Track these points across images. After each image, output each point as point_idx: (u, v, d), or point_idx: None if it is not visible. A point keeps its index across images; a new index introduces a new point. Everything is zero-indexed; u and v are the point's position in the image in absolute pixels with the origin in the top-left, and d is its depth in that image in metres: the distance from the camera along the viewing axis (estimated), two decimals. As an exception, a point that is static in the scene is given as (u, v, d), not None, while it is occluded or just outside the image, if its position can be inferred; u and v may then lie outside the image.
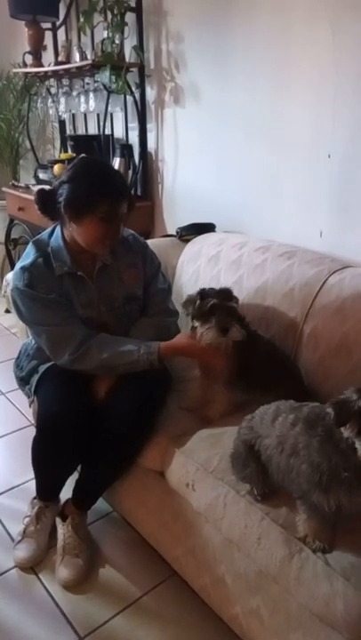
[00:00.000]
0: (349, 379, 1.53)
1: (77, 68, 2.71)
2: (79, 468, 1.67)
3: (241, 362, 1.55)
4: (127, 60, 2.59)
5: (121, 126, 2.91)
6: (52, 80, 3.23)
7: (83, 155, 1.63)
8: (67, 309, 1.59)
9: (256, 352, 1.58)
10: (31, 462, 1.63)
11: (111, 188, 1.49)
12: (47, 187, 1.60)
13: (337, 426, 1.04)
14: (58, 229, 1.62)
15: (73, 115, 3.37)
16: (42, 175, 3.09)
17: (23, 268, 1.57)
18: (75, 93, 3.01)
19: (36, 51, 3.14)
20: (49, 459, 1.61)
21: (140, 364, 1.53)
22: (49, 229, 1.67)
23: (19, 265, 1.60)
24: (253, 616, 1.28)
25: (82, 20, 2.60)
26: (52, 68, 2.96)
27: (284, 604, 1.20)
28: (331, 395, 1.55)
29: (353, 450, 1.02)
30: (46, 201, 1.55)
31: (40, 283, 1.56)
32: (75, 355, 1.54)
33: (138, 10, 2.54)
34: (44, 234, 1.66)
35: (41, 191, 1.58)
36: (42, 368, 1.68)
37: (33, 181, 3.30)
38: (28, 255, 1.61)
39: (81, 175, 1.50)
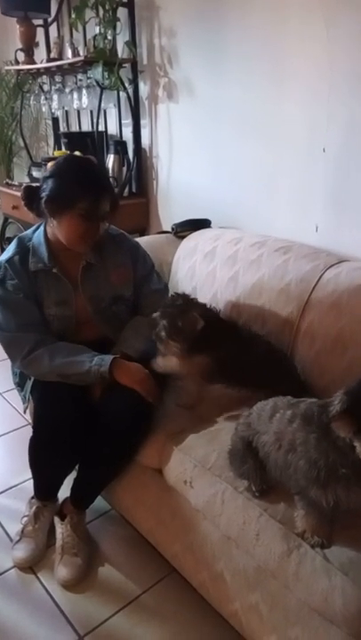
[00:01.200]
0: (345, 374, 1.53)
1: (70, 64, 2.70)
2: (77, 467, 1.66)
3: (238, 361, 1.56)
4: (120, 55, 2.57)
5: (114, 123, 2.90)
6: (44, 77, 3.21)
7: (77, 154, 1.62)
8: (30, 313, 1.59)
9: (252, 351, 1.58)
10: (28, 462, 1.63)
11: (92, 184, 1.49)
12: (35, 184, 1.60)
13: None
14: (42, 226, 1.63)
15: (66, 112, 3.35)
16: (36, 173, 3.07)
17: None
18: (67, 90, 2.99)
19: (28, 48, 3.12)
20: (46, 458, 1.61)
21: (91, 376, 1.53)
22: (35, 225, 1.68)
23: None
24: (253, 612, 1.28)
25: (73, 16, 2.58)
26: (45, 64, 2.94)
27: (282, 599, 1.20)
28: (327, 390, 1.55)
29: (350, 447, 1.01)
30: (32, 197, 1.55)
31: (11, 279, 1.57)
32: (25, 360, 1.56)
33: (130, 5, 2.52)
34: (30, 230, 1.67)
35: (27, 188, 1.58)
36: None
37: (27, 179, 3.27)
38: (8, 250, 1.64)
39: (63, 171, 1.50)
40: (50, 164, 2.73)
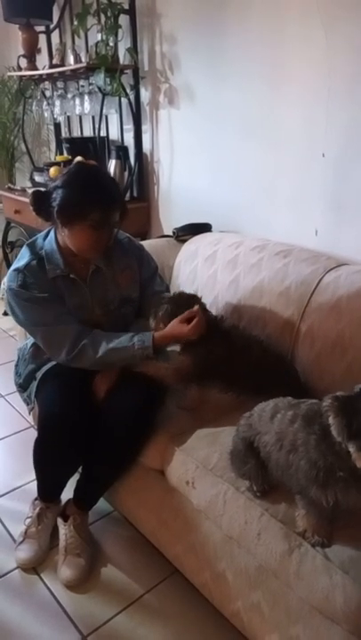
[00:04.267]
0: (345, 376, 1.55)
1: (72, 70, 2.72)
2: (80, 468, 1.68)
3: (238, 365, 1.58)
4: (121, 62, 2.60)
5: (116, 128, 2.92)
6: (46, 83, 3.23)
7: (79, 159, 1.63)
8: (60, 306, 1.61)
9: (252, 355, 1.60)
10: (33, 463, 1.64)
11: (103, 196, 1.49)
12: (42, 189, 1.61)
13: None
14: (52, 233, 1.64)
15: (68, 117, 3.38)
16: (38, 178, 3.10)
17: (17, 270, 1.59)
18: (69, 96, 3.02)
19: (31, 54, 3.14)
20: (50, 459, 1.62)
21: (137, 359, 1.57)
22: (44, 232, 1.68)
23: (13, 267, 1.62)
24: (254, 611, 1.29)
25: (76, 22, 2.61)
26: (47, 71, 2.97)
27: (284, 598, 1.22)
28: (327, 392, 1.56)
29: (347, 452, 1.03)
30: (41, 203, 1.56)
31: (33, 284, 1.58)
32: (71, 354, 1.57)
33: (131, 12, 2.55)
34: (39, 236, 1.68)
35: (36, 193, 1.58)
36: (39, 374, 1.69)
37: (29, 184, 3.30)
38: (22, 257, 1.63)
39: (74, 182, 1.50)
40: (54, 171, 2.77)
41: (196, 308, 1.59)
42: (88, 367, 1.60)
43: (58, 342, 1.58)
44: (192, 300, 1.65)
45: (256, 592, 1.28)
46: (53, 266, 1.60)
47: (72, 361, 1.58)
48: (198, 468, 1.42)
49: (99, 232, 1.52)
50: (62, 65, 2.95)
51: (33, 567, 1.65)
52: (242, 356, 1.60)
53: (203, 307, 1.65)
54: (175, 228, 2.35)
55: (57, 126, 3.47)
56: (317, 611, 1.14)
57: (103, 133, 2.93)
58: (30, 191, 1.62)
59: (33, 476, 1.72)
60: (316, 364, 1.64)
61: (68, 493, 1.72)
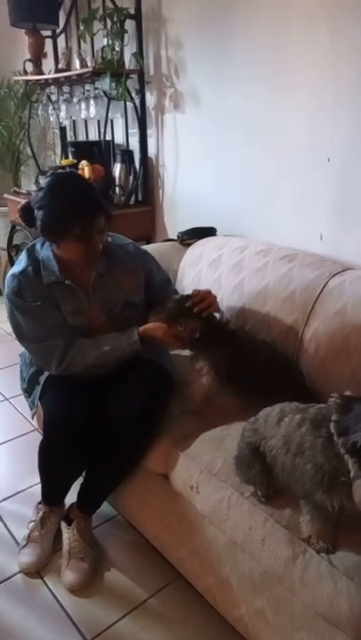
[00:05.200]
0: (350, 381, 1.54)
1: (78, 75, 2.73)
2: (84, 473, 1.68)
3: (247, 367, 1.59)
4: (127, 66, 2.61)
5: (121, 132, 2.93)
6: (52, 87, 3.25)
7: (53, 172, 1.63)
8: (51, 318, 1.62)
9: (258, 358, 1.60)
10: (38, 467, 1.65)
11: (81, 209, 1.48)
12: (26, 200, 1.60)
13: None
14: None
15: (74, 121, 3.39)
16: (43, 181, 3.09)
17: (13, 276, 1.61)
18: (75, 100, 3.03)
19: (37, 58, 3.17)
20: (55, 462, 1.63)
21: (127, 355, 1.62)
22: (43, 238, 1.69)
23: (10, 272, 1.64)
24: (258, 617, 1.28)
25: (82, 27, 2.63)
26: (53, 75, 2.98)
27: (288, 604, 1.21)
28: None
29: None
30: (30, 218, 1.56)
31: (27, 291, 1.59)
32: (60, 367, 1.60)
33: (137, 17, 2.56)
34: (38, 241, 1.69)
35: (24, 209, 1.58)
36: (42, 378, 1.70)
37: (34, 188, 3.31)
38: (19, 262, 1.65)
39: (50, 200, 1.49)
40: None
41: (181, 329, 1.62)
42: (82, 374, 1.62)
43: (46, 357, 1.61)
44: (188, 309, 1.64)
45: (260, 598, 1.28)
46: (49, 272, 1.61)
47: (63, 372, 1.61)
48: (202, 472, 1.42)
49: (85, 243, 1.52)
50: (68, 69, 2.97)
51: (36, 571, 1.65)
52: (250, 358, 1.60)
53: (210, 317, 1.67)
54: (180, 232, 2.36)
55: (62, 130, 3.49)
56: (322, 617, 1.13)
57: (108, 137, 2.95)
58: (18, 207, 1.62)
59: (37, 479, 1.72)
60: (322, 368, 1.64)
61: (71, 497, 1.72)
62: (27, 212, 1.57)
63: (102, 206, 1.54)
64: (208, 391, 1.61)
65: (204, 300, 1.65)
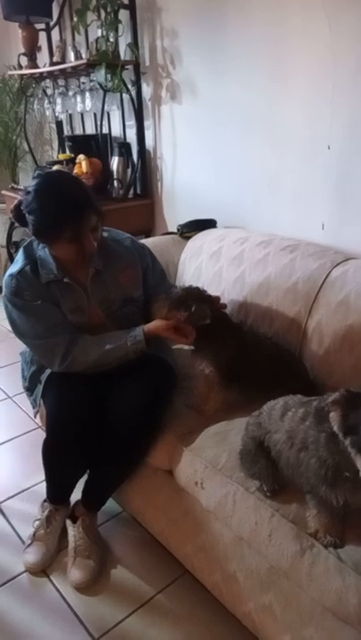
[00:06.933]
0: (354, 372, 1.53)
1: (73, 67, 2.70)
2: (88, 470, 1.67)
3: (251, 360, 1.57)
4: (122, 57, 2.58)
5: (118, 125, 2.90)
6: (47, 81, 3.23)
7: (40, 173, 1.60)
8: (52, 316, 1.60)
9: (260, 352, 1.58)
10: (42, 465, 1.63)
11: (70, 211, 1.46)
12: (17, 201, 1.58)
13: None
14: None
15: (70, 115, 3.36)
16: (31, 183, 3.08)
17: (11, 275, 1.59)
18: (71, 93, 3.00)
19: (31, 52, 3.13)
20: (60, 459, 1.61)
21: (131, 355, 1.59)
22: None
23: (8, 272, 1.62)
24: (266, 612, 1.28)
25: (75, 19, 2.59)
26: (48, 68, 2.95)
27: (296, 599, 1.20)
28: (336, 388, 1.54)
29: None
30: (22, 219, 1.54)
31: (26, 290, 1.58)
32: (63, 364, 1.59)
33: (131, 7, 2.52)
34: (34, 239, 1.66)
35: (16, 210, 1.56)
36: (43, 377, 1.69)
37: (33, 183, 3.29)
38: (16, 262, 1.64)
39: (39, 205, 1.47)
40: (56, 167, 2.76)
41: (182, 317, 1.56)
42: (84, 372, 1.61)
43: (49, 355, 1.60)
44: (207, 299, 1.61)
45: (268, 593, 1.27)
46: (47, 271, 1.59)
47: (66, 370, 1.60)
48: (207, 468, 1.40)
49: (79, 243, 1.51)
50: (63, 62, 2.94)
51: (41, 570, 1.64)
52: (254, 352, 1.58)
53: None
54: (179, 225, 2.33)
55: (59, 124, 3.46)
56: (330, 612, 1.12)
57: (105, 130, 2.92)
58: (10, 208, 1.59)
59: (41, 477, 1.71)
60: (325, 360, 1.62)
61: (76, 495, 1.71)
62: (18, 214, 1.55)
63: (92, 205, 1.50)
64: (212, 388, 1.59)
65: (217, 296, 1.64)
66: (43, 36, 3.20)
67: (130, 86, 2.63)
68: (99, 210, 1.54)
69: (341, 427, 1.01)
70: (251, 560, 1.30)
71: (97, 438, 1.56)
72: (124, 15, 2.51)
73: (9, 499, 1.94)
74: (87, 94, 2.80)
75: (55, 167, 2.87)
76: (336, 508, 1.12)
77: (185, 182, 2.63)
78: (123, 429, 1.54)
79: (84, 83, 2.86)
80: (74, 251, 1.52)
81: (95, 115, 3.02)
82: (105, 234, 1.70)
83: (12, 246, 3.70)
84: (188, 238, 2.27)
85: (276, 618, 1.25)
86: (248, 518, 1.27)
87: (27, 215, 1.50)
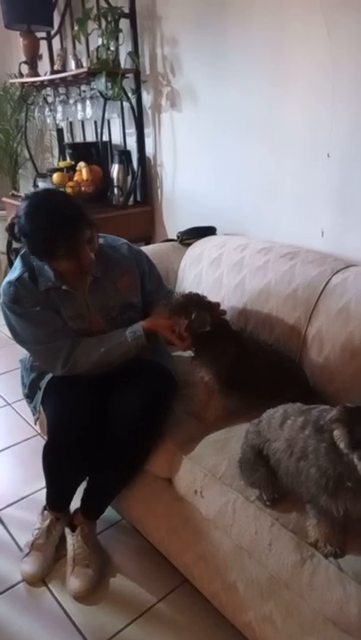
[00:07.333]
0: (354, 379, 1.52)
1: (73, 76, 2.72)
2: (87, 477, 1.66)
3: (251, 368, 1.56)
4: (123, 66, 2.59)
5: (118, 132, 2.91)
6: (48, 89, 3.24)
7: (28, 195, 1.61)
8: (51, 322, 1.61)
9: (260, 359, 1.58)
10: (42, 470, 1.62)
11: (62, 230, 1.46)
12: (10, 220, 1.60)
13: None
14: None
15: (70, 123, 3.38)
16: (41, 184, 3.09)
17: (9, 283, 1.60)
18: (71, 101, 3.01)
19: (32, 60, 3.15)
20: (60, 467, 1.61)
21: (133, 351, 1.60)
22: None
23: (6, 279, 1.62)
24: (267, 622, 1.26)
25: (76, 28, 2.61)
26: (49, 77, 2.96)
27: (297, 609, 1.19)
28: (336, 396, 1.54)
29: (354, 464, 1.01)
30: (17, 237, 1.56)
31: (25, 297, 1.58)
32: (65, 367, 1.59)
33: (132, 16, 2.54)
34: None
35: (11, 229, 1.58)
36: (43, 383, 1.68)
37: (33, 191, 3.30)
38: (14, 269, 1.64)
39: (30, 227, 1.48)
40: (57, 177, 2.76)
41: (183, 324, 1.56)
42: (86, 373, 1.61)
43: (51, 359, 1.60)
44: (208, 306, 1.60)
45: (268, 603, 1.26)
46: (44, 278, 1.60)
47: (68, 373, 1.60)
48: (207, 476, 1.39)
49: (74, 259, 1.51)
50: (64, 70, 2.95)
51: (38, 580, 1.62)
52: (254, 359, 1.58)
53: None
54: (179, 232, 2.34)
55: (59, 132, 3.47)
56: (331, 622, 1.10)
57: (106, 138, 2.93)
58: (5, 227, 1.61)
59: (41, 484, 1.71)
60: (325, 367, 1.61)
61: (75, 503, 1.70)
62: (13, 233, 1.58)
63: (83, 218, 1.51)
64: (212, 395, 1.58)
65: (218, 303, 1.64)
66: (44, 45, 3.22)
67: (130, 94, 2.64)
68: (90, 222, 1.54)
69: (349, 443, 1.00)
70: (251, 569, 1.29)
71: (97, 442, 1.55)
72: (124, 24, 2.52)
73: (8, 506, 1.93)
74: (88, 102, 2.81)
75: (55, 175, 2.88)
76: (337, 518, 1.11)
77: (185, 189, 2.64)
78: (123, 433, 1.53)
79: (84, 91, 2.87)
80: (71, 265, 1.53)
81: (96, 122, 3.03)
82: (101, 240, 1.70)
83: (12, 253, 3.70)
84: (188, 245, 2.27)
85: (277, 628, 1.24)
86: (248, 527, 1.26)
87: (21, 238, 1.52)
